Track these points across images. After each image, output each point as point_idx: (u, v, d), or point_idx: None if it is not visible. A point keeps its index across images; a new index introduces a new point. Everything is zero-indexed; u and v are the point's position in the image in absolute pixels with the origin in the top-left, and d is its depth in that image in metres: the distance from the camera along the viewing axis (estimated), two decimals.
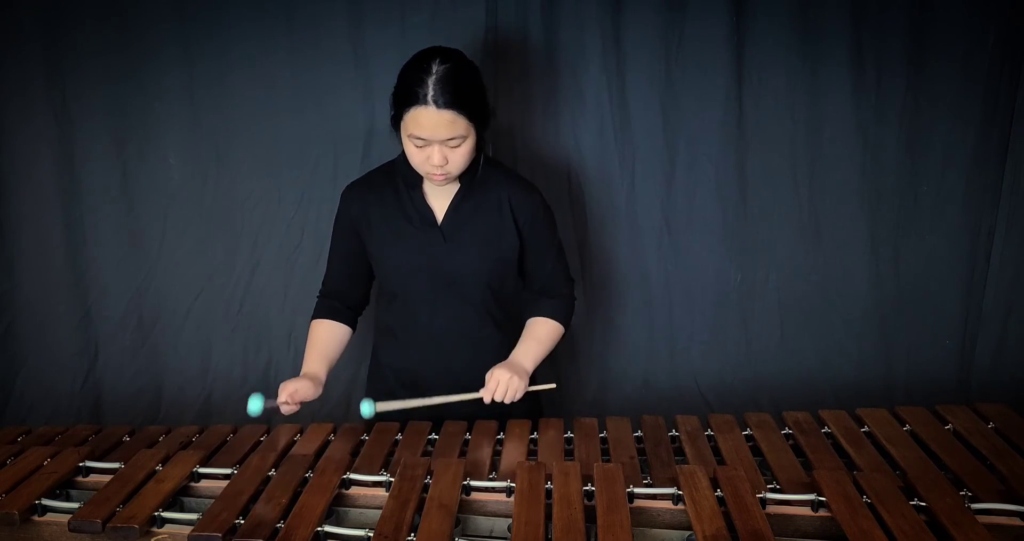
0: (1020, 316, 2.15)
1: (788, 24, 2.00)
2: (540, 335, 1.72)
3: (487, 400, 1.61)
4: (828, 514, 1.25)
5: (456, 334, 1.72)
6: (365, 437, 1.60)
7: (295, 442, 1.59)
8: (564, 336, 1.77)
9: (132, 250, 2.23)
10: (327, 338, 1.75)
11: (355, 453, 1.53)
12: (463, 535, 1.29)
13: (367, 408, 1.61)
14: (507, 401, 1.61)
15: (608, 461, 1.47)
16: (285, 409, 1.63)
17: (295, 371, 2.24)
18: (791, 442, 1.54)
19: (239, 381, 2.29)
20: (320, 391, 1.68)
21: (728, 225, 2.14)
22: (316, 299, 1.80)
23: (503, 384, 1.59)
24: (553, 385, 1.70)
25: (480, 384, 1.62)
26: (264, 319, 2.26)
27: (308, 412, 2.24)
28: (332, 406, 2.19)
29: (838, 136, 2.07)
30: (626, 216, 2.15)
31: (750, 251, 2.15)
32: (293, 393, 1.62)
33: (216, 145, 2.15)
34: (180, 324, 2.27)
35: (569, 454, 1.53)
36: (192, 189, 2.19)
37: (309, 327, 1.77)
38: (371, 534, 1.20)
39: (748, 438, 1.56)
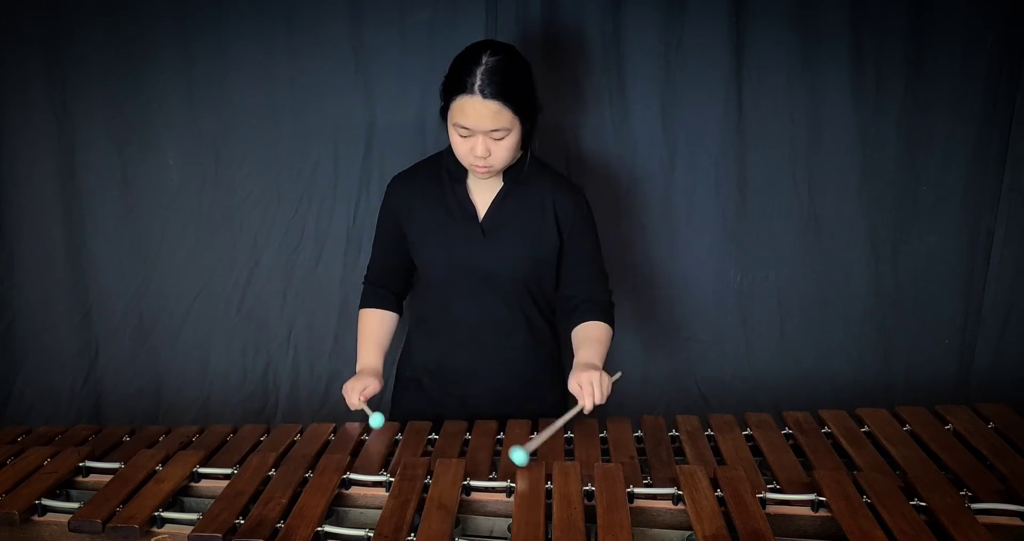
0: (1020, 316, 2.15)
1: (788, 24, 2.00)
2: (598, 336, 1.67)
3: (588, 408, 1.54)
4: (828, 514, 1.25)
5: (487, 329, 1.72)
6: (365, 437, 1.61)
7: (295, 442, 1.58)
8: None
9: (132, 250, 2.23)
10: (379, 328, 1.78)
11: (355, 453, 1.53)
12: (463, 535, 1.28)
13: None
14: (601, 401, 1.54)
15: (608, 461, 1.47)
16: (355, 407, 1.66)
17: (294, 372, 2.27)
18: (791, 442, 1.54)
19: (238, 382, 2.28)
20: (382, 384, 1.72)
21: (728, 224, 2.13)
22: (362, 285, 1.82)
23: (596, 385, 1.54)
24: (620, 373, 1.62)
25: (507, 376, 1.65)
26: (263, 319, 2.25)
27: (308, 412, 2.25)
28: (333, 405, 2.19)
29: (838, 136, 2.07)
30: (626, 215, 2.14)
31: (750, 251, 2.15)
32: (363, 391, 1.65)
33: (215, 145, 2.15)
34: (180, 324, 2.27)
35: (569, 454, 1.53)
36: (191, 189, 2.19)
37: (358, 316, 1.80)
38: (371, 534, 1.20)
39: (748, 438, 1.56)
